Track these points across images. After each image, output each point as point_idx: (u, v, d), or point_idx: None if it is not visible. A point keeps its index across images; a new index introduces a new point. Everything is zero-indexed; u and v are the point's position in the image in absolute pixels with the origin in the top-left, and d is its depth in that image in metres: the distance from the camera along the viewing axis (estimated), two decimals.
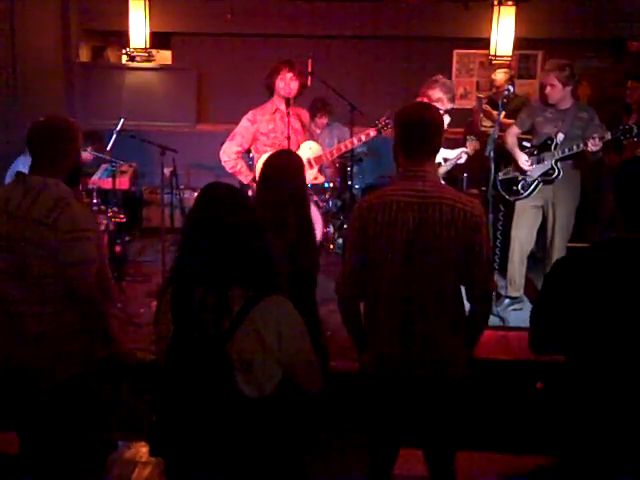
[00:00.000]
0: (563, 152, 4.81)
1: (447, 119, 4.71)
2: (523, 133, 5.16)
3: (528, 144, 5.08)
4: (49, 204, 2.55)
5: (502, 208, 5.34)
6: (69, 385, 2.66)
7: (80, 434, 2.75)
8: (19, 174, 2.68)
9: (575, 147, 4.74)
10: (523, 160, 4.98)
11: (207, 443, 2.03)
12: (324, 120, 6.69)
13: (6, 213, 2.58)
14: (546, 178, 4.95)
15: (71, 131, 2.71)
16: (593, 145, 4.61)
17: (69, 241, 2.54)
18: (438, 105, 4.48)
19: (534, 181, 4.99)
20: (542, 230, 5.16)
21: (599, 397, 2.11)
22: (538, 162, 4.94)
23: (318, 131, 6.61)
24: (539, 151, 4.95)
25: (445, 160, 4.91)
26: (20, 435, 2.74)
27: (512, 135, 5.12)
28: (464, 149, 4.92)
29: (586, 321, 2.11)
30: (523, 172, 5.00)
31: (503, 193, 5.13)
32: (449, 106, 4.58)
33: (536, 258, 5.61)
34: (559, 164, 4.87)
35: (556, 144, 4.85)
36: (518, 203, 5.12)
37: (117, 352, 2.85)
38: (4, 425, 2.89)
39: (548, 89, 4.79)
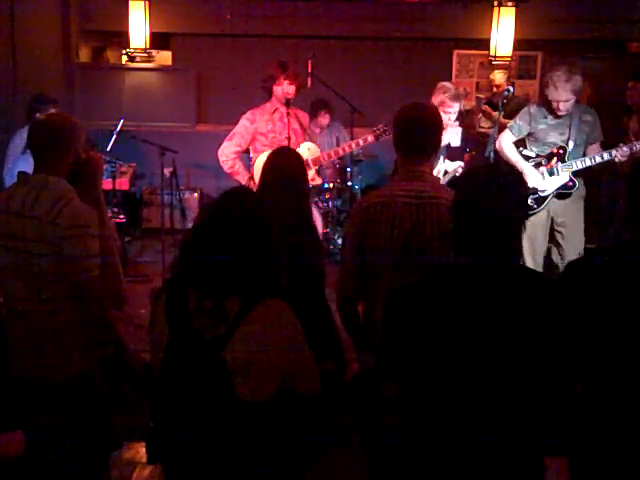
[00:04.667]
0: (583, 162, 4.47)
1: (458, 131, 4.69)
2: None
3: (532, 154, 4.67)
4: (50, 202, 2.59)
5: None
6: (70, 384, 2.68)
7: (83, 433, 2.75)
8: (21, 174, 2.70)
9: (599, 158, 4.41)
10: (537, 181, 4.56)
11: (205, 449, 2.01)
12: (326, 120, 6.65)
13: (9, 213, 2.62)
14: (564, 191, 4.59)
15: (70, 128, 2.72)
16: (622, 155, 4.34)
17: (70, 237, 2.57)
18: (445, 109, 4.52)
19: (549, 195, 4.62)
20: (552, 239, 4.81)
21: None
22: (551, 174, 4.57)
23: (317, 131, 6.60)
24: (549, 162, 4.59)
25: (445, 172, 4.88)
26: (27, 434, 2.76)
27: (508, 142, 4.70)
28: (460, 163, 4.88)
29: (602, 327, 2.03)
30: (535, 189, 4.62)
31: None
32: (455, 105, 4.58)
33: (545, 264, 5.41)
34: (575, 175, 4.55)
35: (569, 153, 4.52)
36: (534, 217, 4.71)
37: (122, 352, 2.84)
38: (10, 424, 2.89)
39: (564, 105, 4.39)
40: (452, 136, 4.68)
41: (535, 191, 4.62)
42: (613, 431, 2.05)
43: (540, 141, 4.63)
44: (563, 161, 4.55)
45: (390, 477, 2.20)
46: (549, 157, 4.61)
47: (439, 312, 1.93)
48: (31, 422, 2.72)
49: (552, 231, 4.74)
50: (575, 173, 4.56)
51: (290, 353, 2.02)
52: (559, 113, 4.46)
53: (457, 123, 4.76)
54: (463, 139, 5.14)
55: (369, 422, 2.81)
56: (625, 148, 4.34)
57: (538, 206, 4.64)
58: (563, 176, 4.56)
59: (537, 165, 4.64)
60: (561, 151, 4.55)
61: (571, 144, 4.52)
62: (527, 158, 4.68)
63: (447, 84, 4.70)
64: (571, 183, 4.57)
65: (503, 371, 1.89)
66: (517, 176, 2.01)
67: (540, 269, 4.71)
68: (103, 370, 2.82)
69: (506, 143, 4.73)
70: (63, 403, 2.68)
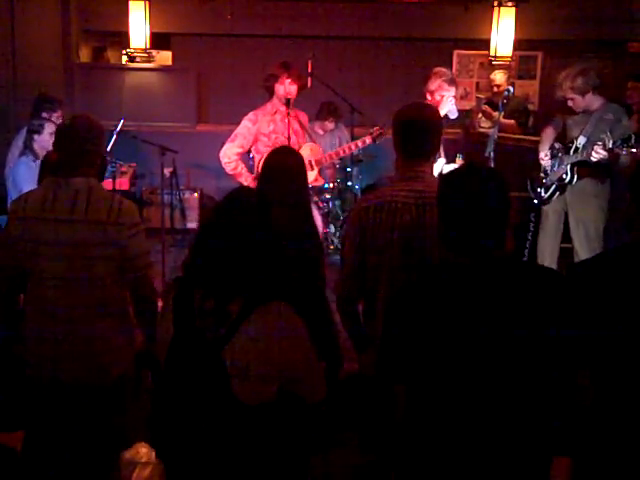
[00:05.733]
0: (576, 157, 4.63)
1: (453, 110, 4.68)
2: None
3: (558, 146, 4.91)
4: (105, 204, 2.60)
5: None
6: (117, 384, 2.71)
7: (104, 430, 2.76)
8: (53, 178, 2.67)
9: (585, 154, 4.55)
10: (542, 155, 4.86)
11: (204, 448, 2.02)
12: (331, 125, 6.72)
13: (52, 220, 2.58)
14: (560, 183, 4.77)
15: (100, 130, 2.76)
16: (596, 153, 4.40)
17: (134, 235, 2.62)
18: (441, 93, 4.53)
19: (552, 185, 4.83)
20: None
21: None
22: (559, 165, 4.78)
23: (321, 132, 6.62)
24: (562, 154, 4.78)
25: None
26: (35, 435, 2.75)
27: (547, 134, 4.98)
28: (456, 166, 4.89)
29: (606, 326, 2.02)
30: (545, 173, 4.87)
31: (530, 193, 4.98)
32: (452, 89, 4.58)
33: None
34: (575, 169, 4.68)
35: (576, 147, 4.67)
36: (544, 208, 4.99)
37: (153, 348, 2.87)
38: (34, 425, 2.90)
39: (570, 103, 4.65)
40: (448, 107, 4.66)
41: (545, 179, 4.86)
42: (619, 430, 2.06)
43: (566, 136, 4.85)
44: (568, 154, 4.72)
45: (398, 474, 2.20)
46: (562, 150, 4.81)
47: (442, 310, 1.94)
48: (65, 423, 2.72)
49: (566, 223, 4.91)
50: (586, 170, 4.66)
51: (291, 357, 2.01)
52: (577, 110, 4.68)
53: (453, 101, 4.74)
54: (462, 140, 5.15)
55: (372, 422, 2.81)
56: (599, 149, 4.40)
57: (545, 192, 4.87)
58: (562, 168, 4.75)
59: (554, 156, 4.85)
60: (570, 145, 4.72)
61: (581, 140, 4.65)
62: (554, 148, 4.89)
63: (443, 69, 4.69)
64: (564, 176, 4.74)
65: (510, 364, 1.90)
66: (495, 170, 2.05)
67: (555, 259, 4.95)
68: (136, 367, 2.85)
69: (544, 133, 5.02)
70: (107, 403, 2.69)
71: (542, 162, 4.85)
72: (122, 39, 8.23)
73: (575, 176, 4.68)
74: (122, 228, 2.58)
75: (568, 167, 4.69)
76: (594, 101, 4.63)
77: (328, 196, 6.28)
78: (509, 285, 1.93)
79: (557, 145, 4.88)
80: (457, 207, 1.96)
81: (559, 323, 1.91)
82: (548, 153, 4.85)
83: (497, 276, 1.94)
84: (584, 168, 4.65)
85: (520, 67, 8.61)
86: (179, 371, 2.03)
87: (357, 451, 3.49)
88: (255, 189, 3.04)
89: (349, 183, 6.54)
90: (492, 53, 7.89)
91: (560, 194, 4.81)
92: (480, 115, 7.03)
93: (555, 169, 4.80)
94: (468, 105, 8.01)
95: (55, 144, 2.74)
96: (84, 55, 8.48)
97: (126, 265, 2.63)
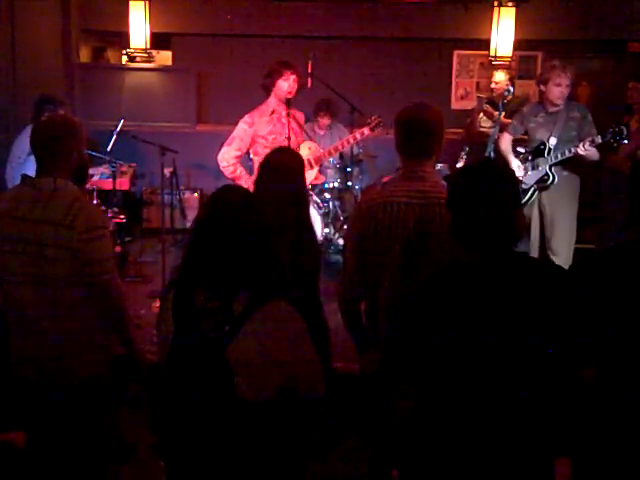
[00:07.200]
0: (556, 157, 4.69)
1: None
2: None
3: (522, 150, 4.98)
4: (64, 205, 2.57)
5: None
6: (85, 385, 2.68)
7: (94, 434, 2.76)
8: (25, 177, 2.68)
9: (567, 152, 4.61)
10: (515, 167, 4.87)
11: (206, 446, 2.02)
12: (326, 121, 6.70)
13: (17, 218, 2.59)
14: (542, 185, 4.83)
15: (72, 129, 2.71)
16: (583, 150, 4.48)
17: (88, 240, 2.56)
18: None
19: (530, 188, 4.88)
20: (543, 235, 5.04)
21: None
22: (533, 168, 4.82)
23: (321, 132, 6.62)
24: (533, 157, 4.84)
25: None
26: (30, 435, 2.75)
27: (505, 141, 5.03)
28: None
29: (612, 327, 2.04)
30: (520, 181, 4.91)
31: None
32: None
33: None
34: (554, 169, 4.76)
35: (549, 149, 4.74)
36: (525, 210, 4.97)
37: (132, 352, 2.85)
38: (15, 424, 2.89)
39: (560, 92, 4.66)
40: None
41: (522, 185, 4.89)
42: (619, 430, 2.06)
43: (531, 138, 4.91)
44: (542, 156, 4.78)
45: (401, 472, 2.21)
46: (533, 153, 4.87)
47: (452, 309, 1.94)
48: (39, 422, 2.71)
49: (542, 226, 4.95)
50: (560, 167, 4.75)
51: (293, 355, 2.02)
52: (559, 101, 4.68)
53: None
54: (464, 140, 5.14)
55: (374, 421, 2.81)
56: (587, 144, 4.47)
57: (522, 197, 4.90)
58: (540, 170, 4.80)
59: (524, 160, 4.91)
60: (542, 147, 4.78)
61: (552, 140, 4.73)
62: (519, 154, 4.96)
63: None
64: (546, 177, 4.79)
65: (518, 362, 1.91)
66: (505, 166, 2.07)
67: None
68: (116, 371, 2.83)
69: (503, 141, 5.04)
70: (76, 404, 2.68)
71: (516, 172, 4.79)
72: (122, 39, 8.23)
73: (557, 175, 4.76)
74: (74, 232, 2.54)
75: (547, 168, 4.75)
76: None
77: (328, 196, 6.28)
78: (520, 282, 1.93)
79: (521, 149, 4.95)
80: (471, 204, 1.96)
81: (568, 320, 1.92)
82: (518, 162, 4.89)
83: (509, 272, 1.95)
84: (559, 165, 4.77)
85: (520, 67, 8.60)
86: (182, 370, 2.03)
87: (357, 451, 3.49)
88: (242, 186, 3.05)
89: (349, 183, 6.53)
90: (492, 53, 7.89)
91: (540, 192, 4.88)
92: (482, 115, 7.03)
93: (530, 173, 4.84)
94: (469, 105, 8.00)
95: (30, 143, 2.73)
96: (84, 55, 8.47)
97: (82, 270, 2.60)
